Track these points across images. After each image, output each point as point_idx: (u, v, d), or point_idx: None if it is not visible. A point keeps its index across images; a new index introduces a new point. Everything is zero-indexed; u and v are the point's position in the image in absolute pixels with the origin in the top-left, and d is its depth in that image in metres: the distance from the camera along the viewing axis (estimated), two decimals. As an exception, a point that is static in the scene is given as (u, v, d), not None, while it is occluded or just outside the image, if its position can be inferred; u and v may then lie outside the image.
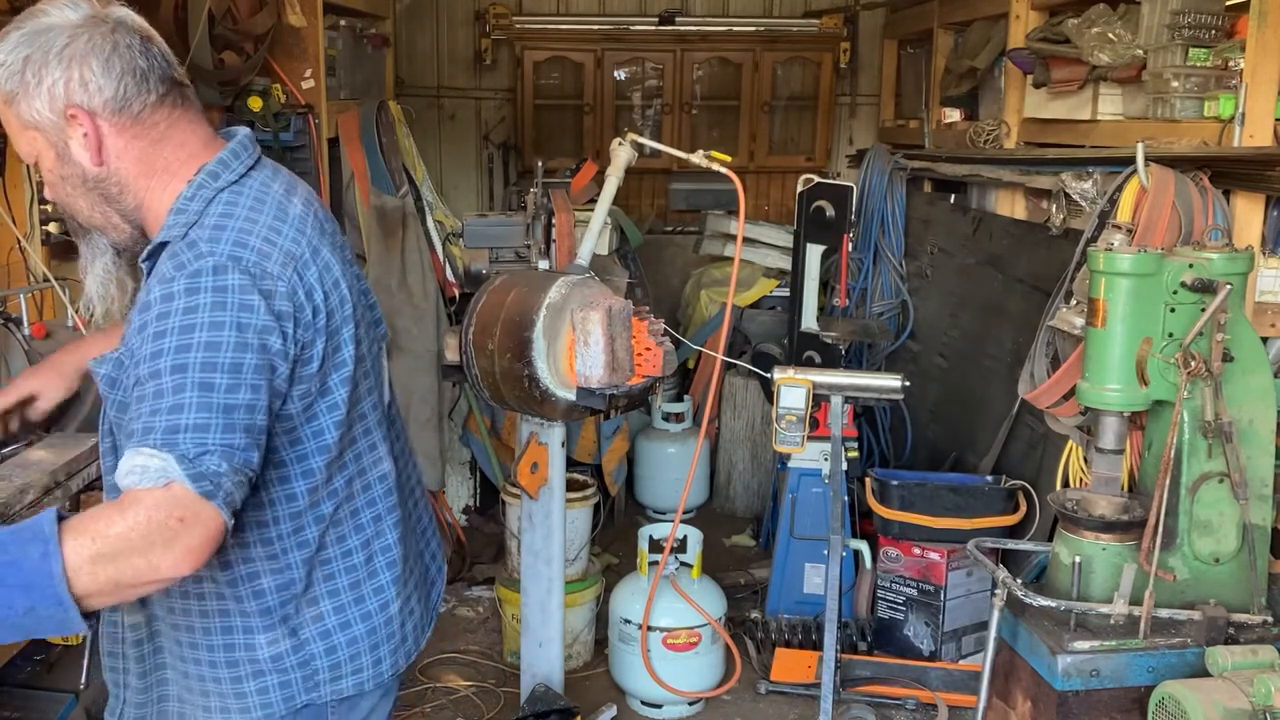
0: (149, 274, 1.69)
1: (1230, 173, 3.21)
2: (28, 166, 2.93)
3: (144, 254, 1.71)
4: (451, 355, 3.15)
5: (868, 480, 4.26)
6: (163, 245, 1.67)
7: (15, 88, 1.63)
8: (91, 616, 1.51)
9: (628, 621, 3.87)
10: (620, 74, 7.00)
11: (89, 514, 1.51)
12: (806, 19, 6.95)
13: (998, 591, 2.87)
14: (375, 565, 1.86)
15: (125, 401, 1.65)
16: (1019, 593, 2.81)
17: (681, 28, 6.85)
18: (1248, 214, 3.23)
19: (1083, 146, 4.03)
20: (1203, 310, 2.73)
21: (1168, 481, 2.75)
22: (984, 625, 3.60)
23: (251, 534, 1.71)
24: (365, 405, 1.84)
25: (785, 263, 5.65)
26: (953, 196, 5.45)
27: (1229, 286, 2.69)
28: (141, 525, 1.46)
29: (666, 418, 5.65)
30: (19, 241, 2.94)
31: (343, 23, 4.99)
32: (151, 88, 1.67)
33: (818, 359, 4.85)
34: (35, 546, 1.45)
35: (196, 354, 1.54)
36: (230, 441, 1.53)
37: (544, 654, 3.48)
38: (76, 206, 1.73)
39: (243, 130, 1.82)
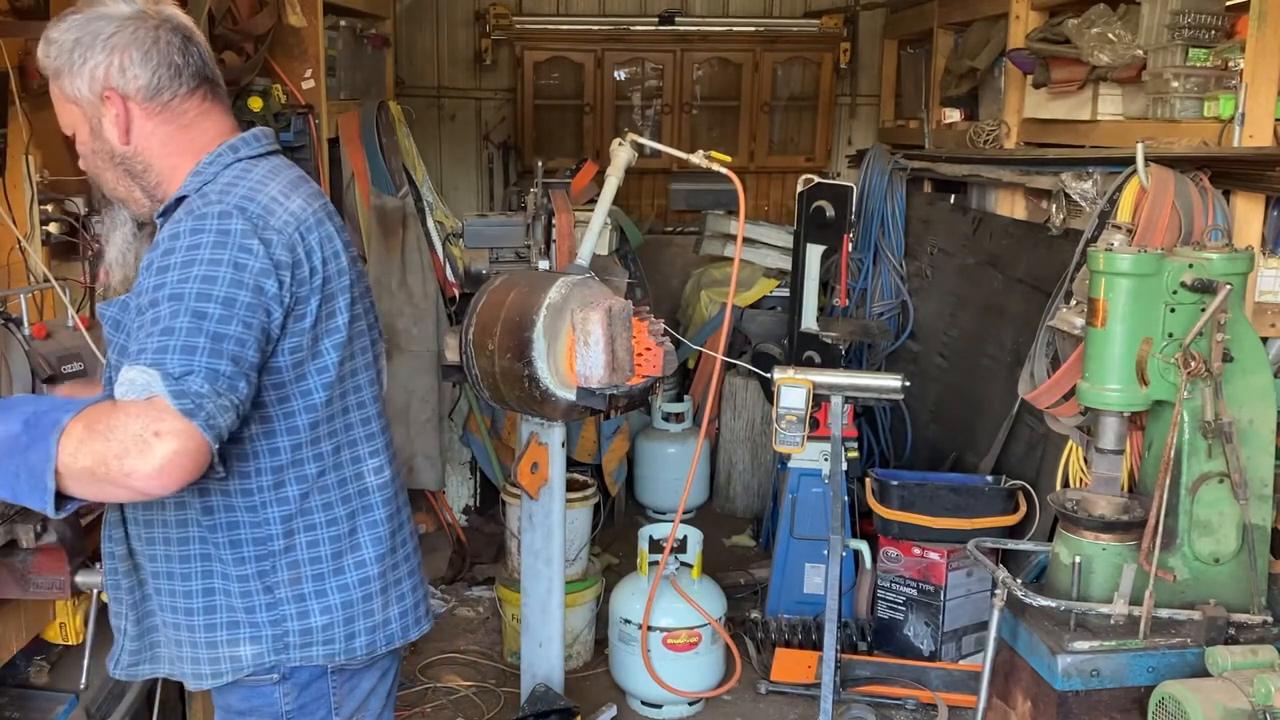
0: (162, 228, 1.81)
1: (1230, 173, 3.21)
2: (27, 166, 2.93)
3: (160, 210, 1.86)
4: (451, 355, 3.15)
5: (868, 480, 4.26)
6: (178, 201, 1.82)
7: (63, 64, 1.80)
8: (64, 504, 1.62)
9: (628, 621, 3.87)
10: (620, 74, 7.00)
11: (92, 409, 1.62)
12: (806, 19, 6.95)
13: (998, 591, 2.87)
14: (359, 540, 1.92)
15: (124, 346, 1.78)
16: (1019, 593, 2.81)
17: (681, 28, 6.85)
18: (1247, 214, 3.23)
19: (1083, 146, 4.03)
20: (1203, 310, 2.73)
21: (1168, 481, 2.75)
22: (984, 625, 3.60)
23: (234, 482, 1.80)
24: (363, 382, 1.93)
25: (785, 263, 5.65)
26: (953, 196, 5.45)
27: (1229, 286, 2.69)
28: (119, 430, 1.56)
29: (666, 418, 5.65)
30: (19, 241, 2.94)
31: (343, 23, 4.99)
32: (184, 81, 1.83)
33: (818, 359, 4.85)
34: (59, 412, 1.62)
35: (193, 285, 1.66)
36: (216, 366, 1.62)
37: (544, 654, 3.48)
38: (104, 178, 1.89)
39: (262, 127, 1.98)
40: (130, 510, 1.89)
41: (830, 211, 4.85)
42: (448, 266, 4.98)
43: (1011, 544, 3.43)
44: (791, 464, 4.41)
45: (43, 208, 2.98)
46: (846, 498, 4.21)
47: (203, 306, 1.64)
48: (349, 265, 1.89)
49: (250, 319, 1.68)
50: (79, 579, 2.11)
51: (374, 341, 2.02)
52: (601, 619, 4.27)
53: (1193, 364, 2.70)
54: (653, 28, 6.86)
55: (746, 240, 5.59)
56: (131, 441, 1.55)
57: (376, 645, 1.95)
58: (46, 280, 3.03)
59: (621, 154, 3.45)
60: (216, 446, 1.61)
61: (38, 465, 1.59)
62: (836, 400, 3.69)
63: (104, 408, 1.61)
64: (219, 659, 1.86)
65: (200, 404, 1.58)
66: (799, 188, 4.93)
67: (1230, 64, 3.29)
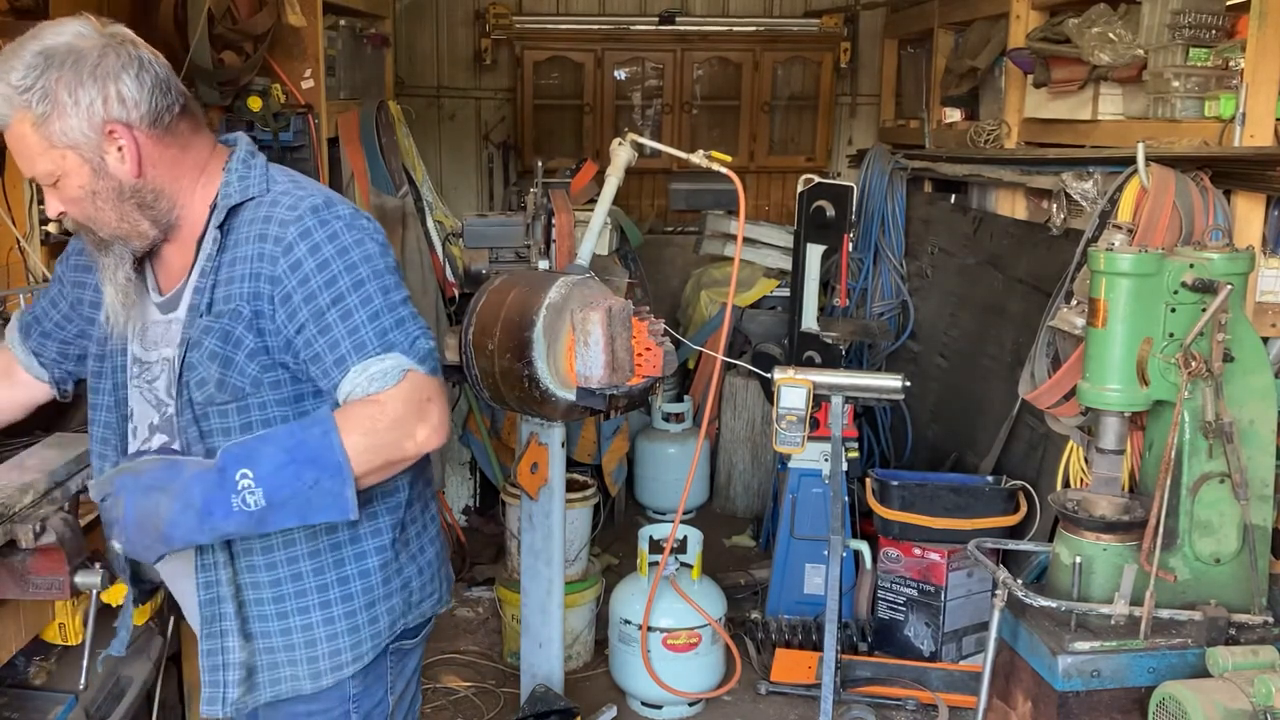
0: (225, 235, 1.82)
1: (1231, 173, 3.20)
2: (27, 166, 2.92)
3: (218, 219, 1.82)
4: (451, 355, 3.14)
5: (868, 480, 4.26)
6: (238, 207, 1.82)
7: (48, 110, 1.67)
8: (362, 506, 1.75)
9: (628, 622, 3.87)
10: (620, 74, 7.00)
11: (351, 412, 1.74)
12: (806, 19, 6.95)
13: (998, 592, 2.86)
14: (431, 509, 2.08)
15: (230, 357, 1.78)
16: (1019, 593, 2.80)
17: (681, 28, 6.85)
18: (1248, 214, 3.23)
19: (1083, 146, 4.03)
20: (1203, 310, 2.73)
21: (1168, 482, 2.74)
22: (984, 626, 3.60)
23: None
24: None
25: (785, 263, 5.65)
26: (953, 196, 5.45)
27: (1229, 286, 2.69)
28: (401, 414, 1.73)
29: (666, 418, 5.65)
30: (19, 241, 2.93)
31: (342, 23, 4.98)
32: (174, 98, 1.77)
33: (818, 359, 4.85)
34: (315, 428, 1.71)
35: (363, 268, 1.77)
36: (421, 325, 1.82)
37: (544, 654, 3.47)
38: (104, 219, 1.78)
39: (242, 134, 1.96)
40: (238, 543, 1.86)
41: (830, 211, 4.84)
42: (447, 266, 4.97)
43: (1012, 544, 3.43)
44: (791, 464, 4.41)
45: (42, 207, 2.98)
46: (847, 498, 4.20)
47: (383, 282, 1.79)
48: None
49: (399, 277, 1.85)
50: (78, 579, 2.10)
51: None
52: (601, 619, 4.26)
53: (1193, 364, 2.70)
54: (653, 27, 6.86)
55: (746, 240, 5.58)
56: (410, 418, 1.73)
57: (443, 599, 2.09)
58: (46, 280, 3.03)
59: (621, 154, 3.45)
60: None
61: (334, 489, 1.70)
62: (836, 400, 3.69)
63: (367, 409, 1.73)
64: (360, 641, 1.91)
65: (433, 357, 1.79)
66: (799, 188, 4.93)
67: (1231, 64, 3.29)
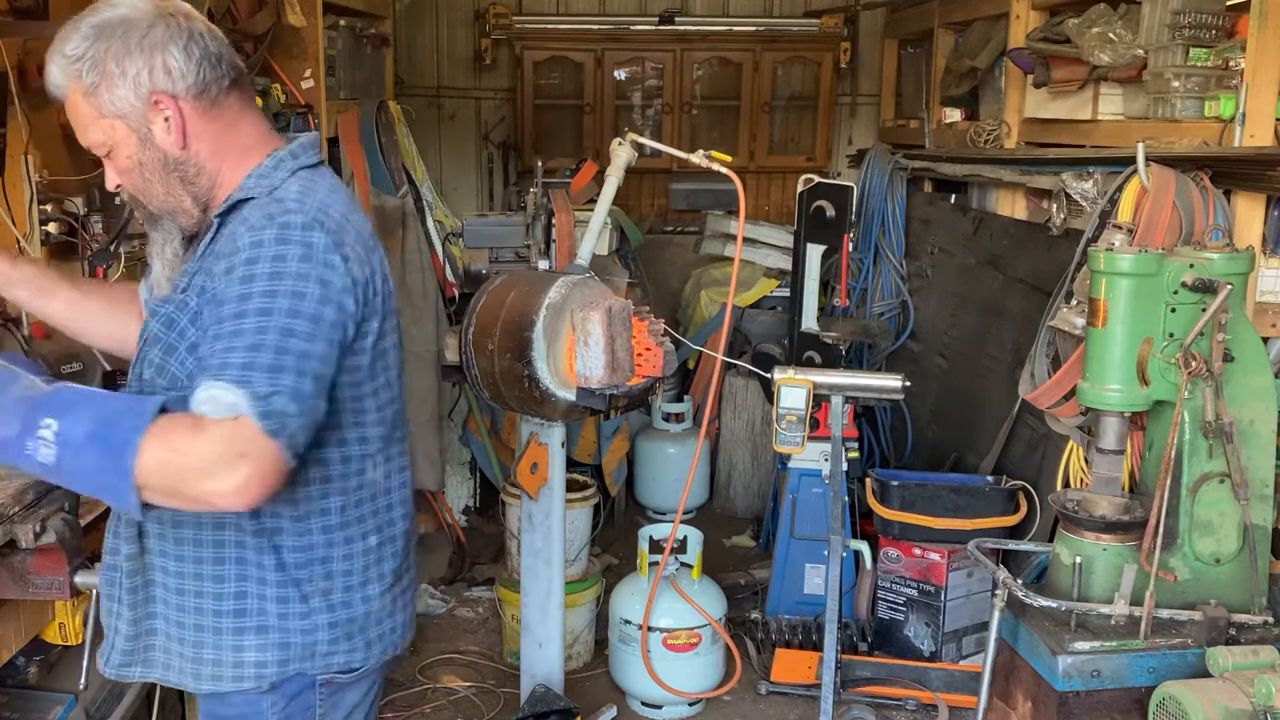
0: (219, 227, 1.78)
1: (1231, 173, 3.20)
2: (26, 166, 2.92)
3: (220, 209, 1.79)
4: (451, 355, 3.15)
5: (868, 480, 4.26)
6: (241, 202, 1.76)
7: (97, 79, 1.70)
8: (148, 507, 1.62)
9: (628, 622, 3.87)
10: (620, 74, 7.00)
11: (172, 423, 1.60)
12: (806, 19, 6.94)
13: (998, 592, 2.86)
14: (384, 553, 1.93)
15: (173, 345, 1.76)
16: (1019, 593, 2.80)
17: (681, 28, 6.84)
18: (1248, 214, 3.23)
19: (1083, 146, 4.03)
20: (1203, 310, 2.73)
21: (1168, 482, 2.74)
22: (984, 626, 3.60)
23: (283, 491, 1.73)
24: (396, 396, 1.93)
25: (785, 263, 5.65)
26: (953, 196, 5.45)
27: (1229, 286, 2.69)
28: (204, 451, 1.56)
29: (666, 418, 5.65)
30: (19, 241, 2.93)
31: (342, 23, 4.98)
32: (224, 72, 1.78)
33: (818, 359, 4.85)
34: (132, 419, 1.59)
35: (282, 300, 1.64)
36: (301, 386, 1.62)
37: (544, 654, 3.47)
38: (152, 192, 1.80)
39: (312, 133, 1.94)
40: (152, 524, 1.84)
41: (830, 211, 4.84)
42: (447, 266, 4.97)
43: (1012, 544, 3.43)
44: (791, 464, 4.41)
45: (42, 208, 2.98)
46: (847, 498, 4.20)
47: (291, 324, 1.63)
48: (390, 288, 1.90)
49: (333, 336, 1.68)
50: (78, 579, 2.11)
51: (399, 357, 2.02)
52: (601, 619, 4.26)
53: (1193, 364, 2.70)
54: (653, 27, 6.85)
55: (746, 240, 5.58)
56: (216, 462, 1.56)
57: (386, 651, 1.96)
58: (46, 280, 3.02)
59: (621, 154, 3.45)
60: (292, 462, 1.62)
61: (115, 484, 1.58)
62: (837, 400, 3.69)
63: (184, 427, 1.58)
64: (242, 663, 1.82)
65: (285, 424, 1.59)
66: (799, 188, 4.93)
67: (1231, 64, 3.29)
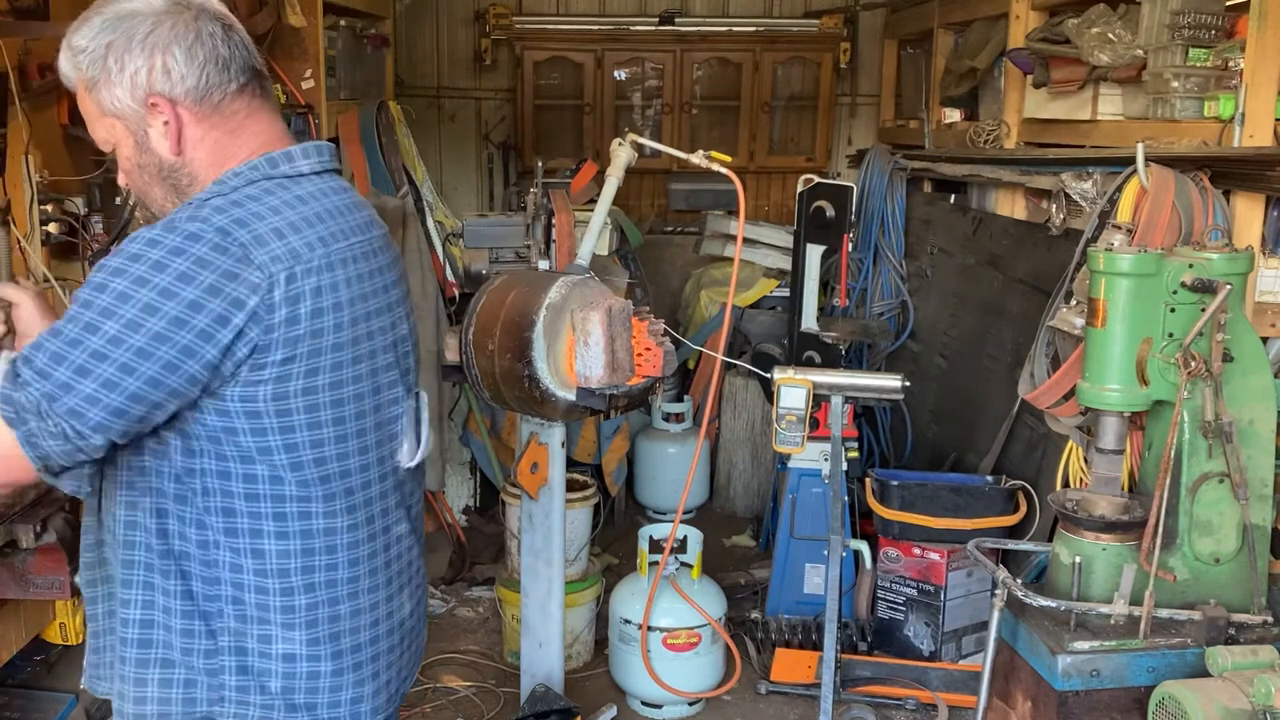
0: None
1: (1230, 173, 3.21)
2: (27, 166, 2.93)
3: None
4: (451, 355, 3.15)
5: (868, 480, 4.26)
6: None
7: (97, 74, 1.62)
8: None
9: (628, 622, 3.87)
10: (620, 74, 7.00)
11: None
12: (806, 19, 6.94)
13: (998, 592, 2.87)
14: (316, 615, 1.70)
15: None
16: (1019, 593, 2.81)
17: (681, 28, 6.84)
18: (1248, 214, 3.23)
19: (1083, 146, 4.03)
20: (1203, 310, 2.73)
21: (1168, 481, 2.75)
22: (984, 625, 3.60)
23: (188, 511, 1.63)
24: (353, 466, 1.70)
25: (785, 263, 5.65)
26: (953, 196, 5.45)
27: (1229, 287, 2.69)
28: None
29: (666, 418, 5.65)
30: (19, 241, 2.94)
31: (343, 23, 4.99)
32: (232, 76, 1.65)
33: (818, 359, 4.85)
34: None
35: (107, 297, 1.50)
36: (68, 391, 1.48)
37: (544, 654, 3.48)
38: (152, 195, 1.71)
39: (324, 141, 1.80)
40: (106, 515, 1.71)
41: (830, 211, 4.85)
42: (447, 266, 4.97)
43: (1011, 544, 3.43)
44: (791, 464, 4.41)
45: (43, 208, 2.99)
46: (846, 498, 4.20)
47: (100, 321, 1.48)
48: (361, 321, 1.68)
49: (154, 350, 1.49)
50: (78, 579, 2.11)
51: (389, 405, 1.78)
52: (601, 619, 4.26)
53: (1193, 364, 2.70)
54: (653, 28, 6.85)
55: (746, 240, 5.58)
56: None
57: None
58: (46, 280, 3.03)
59: (621, 154, 3.45)
60: (41, 466, 1.51)
61: None
62: (836, 400, 3.69)
63: None
64: (145, 698, 1.67)
65: (23, 418, 1.48)
66: (799, 188, 4.93)
67: (1230, 64, 3.29)
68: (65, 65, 1.66)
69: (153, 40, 1.61)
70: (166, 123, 1.63)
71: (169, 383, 1.52)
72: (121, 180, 1.74)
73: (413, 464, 1.84)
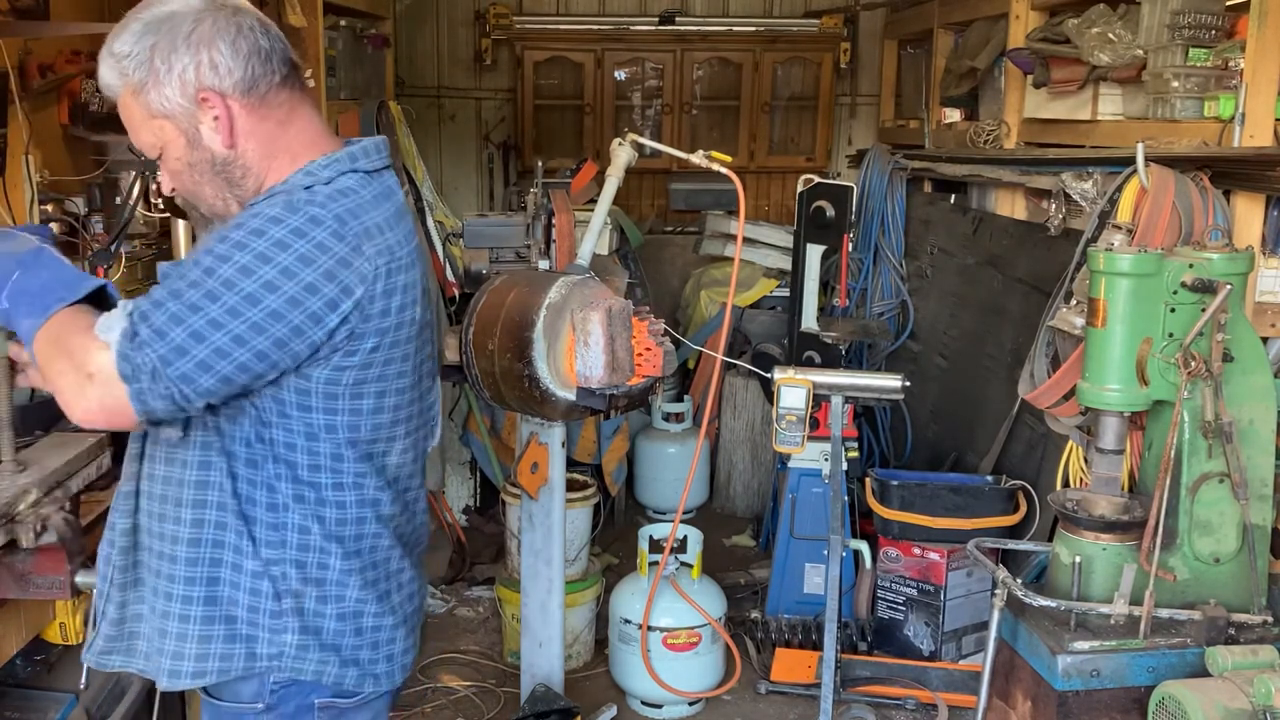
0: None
1: (1230, 173, 3.21)
2: (27, 166, 2.93)
3: (258, 200, 1.70)
4: (451, 355, 3.14)
5: (868, 480, 4.26)
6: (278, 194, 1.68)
7: (145, 77, 1.66)
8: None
9: (628, 621, 3.87)
10: (620, 74, 7.00)
11: (79, 316, 1.63)
12: (806, 19, 6.95)
13: (998, 591, 2.87)
14: (388, 601, 1.84)
15: None
16: (1019, 593, 2.81)
17: (681, 28, 6.85)
18: (1248, 214, 3.23)
19: (1083, 146, 4.03)
20: (1203, 310, 2.73)
21: (1168, 481, 2.75)
22: (984, 625, 3.60)
23: (260, 474, 1.72)
24: (400, 432, 1.81)
25: (785, 263, 5.65)
26: (953, 196, 5.45)
27: (1229, 287, 2.69)
28: (72, 350, 1.59)
29: (666, 418, 5.65)
30: (19, 241, 2.93)
31: (343, 23, 4.99)
32: (275, 68, 1.70)
33: (818, 359, 4.85)
34: (60, 292, 1.64)
35: (230, 268, 1.57)
36: (182, 355, 1.56)
37: (544, 654, 3.48)
38: (202, 194, 1.75)
39: (380, 137, 1.85)
40: (148, 482, 1.78)
41: (830, 211, 4.85)
42: (448, 266, 4.97)
43: (1011, 544, 3.43)
44: (791, 464, 4.41)
45: (43, 208, 2.99)
46: (846, 498, 4.21)
47: (222, 291, 1.56)
48: (419, 316, 1.78)
49: (268, 326, 1.57)
50: (79, 579, 2.11)
51: (425, 393, 1.89)
52: (601, 619, 4.26)
53: (1193, 364, 2.70)
54: (653, 28, 6.85)
55: (746, 240, 5.58)
56: (73, 370, 1.58)
57: (393, 678, 1.87)
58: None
59: (621, 154, 3.45)
60: (144, 419, 1.60)
61: (21, 332, 1.66)
62: (836, 400, 3.69)
63: (82, 325, 1.61)
64: (207, 655, 1.74)
65: (138, 376, 1.55)
66: (799, 188, 4.93)
67: (1230, 64, 3.29)
68: (109, 74, 1.68)
69: (196, 37, 1.65)
70: (217, 117, 1.67)
71: (274, 357, 1.61)
72: (167, 185, 1.78)
73: (435, 444, 2.00)
